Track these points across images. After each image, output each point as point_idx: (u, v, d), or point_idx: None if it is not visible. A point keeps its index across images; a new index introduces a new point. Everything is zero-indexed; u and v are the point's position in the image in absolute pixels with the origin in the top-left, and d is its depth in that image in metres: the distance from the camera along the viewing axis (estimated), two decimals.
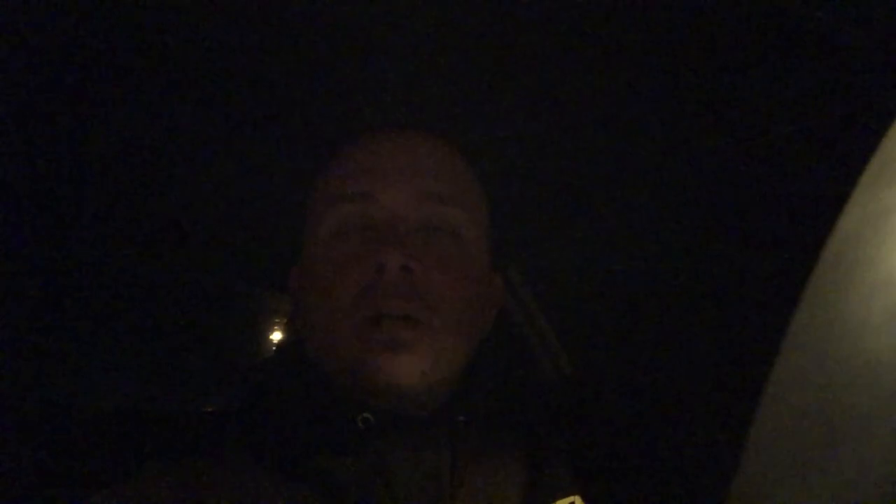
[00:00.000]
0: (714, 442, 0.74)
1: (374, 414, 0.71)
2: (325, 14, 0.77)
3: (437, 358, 0.72)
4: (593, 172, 1.00)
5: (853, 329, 0.27)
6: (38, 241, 1.22)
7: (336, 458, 0.70)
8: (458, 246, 0.77)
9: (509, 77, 0.86)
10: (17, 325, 1.27)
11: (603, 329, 1.17)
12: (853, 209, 0.28)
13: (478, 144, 0.86)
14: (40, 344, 1.37)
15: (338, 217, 0.76)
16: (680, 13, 0.67)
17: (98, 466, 1.11)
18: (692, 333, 0.97)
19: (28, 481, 1.11)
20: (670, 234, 1.01)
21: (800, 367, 0.29)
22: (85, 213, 1.21)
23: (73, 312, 1.49)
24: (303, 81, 0.89)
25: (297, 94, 0.91)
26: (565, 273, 1.19)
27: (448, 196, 0.77)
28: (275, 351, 0.91)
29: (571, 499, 0.72)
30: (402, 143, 0.80)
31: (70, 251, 1.32)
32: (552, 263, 1.20)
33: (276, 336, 1.75)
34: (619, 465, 0.76)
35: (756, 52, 0.67)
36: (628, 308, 1.12)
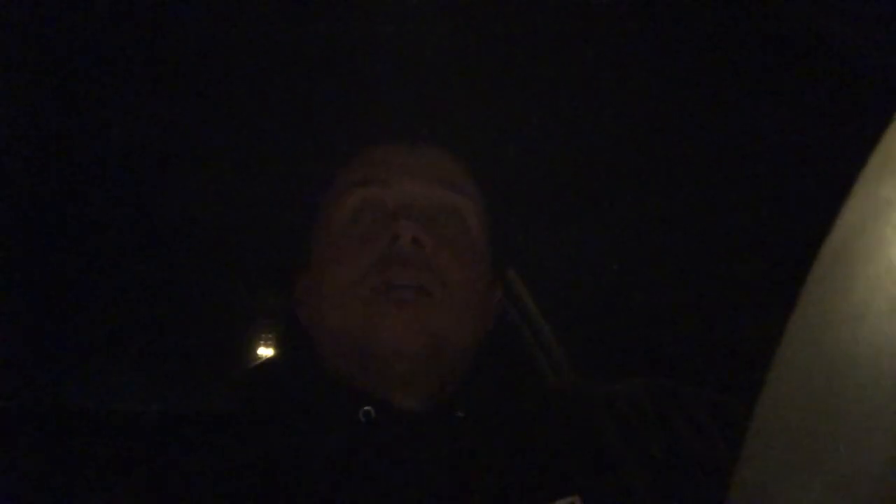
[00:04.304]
0: (714, 441, 0.73)
1: (375, 408, 0.71)
2: (329, 23, 0.78)
3: (443, 327, 0.74)
4: (592, 174, 1.01)
5: (855, 321, 0.27)
6: (37, 242, 1.22)
7: (337, 451, 0.71)
8: (465, 231, 0.81)
9: (512, 84, 0.87)
10: (17, 327, 1.27)
11: (602, 328, 1.18)
12: (855, 202, 0.28)
13: (479, 152, 0.88)
14: (38, 346, 1.37)
15: (353, 202, 0.79)
16: (679, 15, 0.67)
17: (96, 468, 1.11)
18: (691, 329, 0.97)
19: (28, 483, 1.11)
20: (670, 231, 1.01)
21: (801, 360, 0.29)
22: (85, 214, 1.21)
23: (72, 314, 1.49)
24: (311, 89, 0.90)
25: (307, 102, 0.92)
26: (564, 275, 1.20)
27: (455, 185, 0.82)
28: (279, 352, 0.92)
29: (571, 499, 0.72)
30: (414, 147, 0.85)
31: (70, 253, 1.32)
32: (551, 266, 1.21)
33: (264, 351, 1.72)
34: (618, 464, 0.76)
35: (757, 46, 0.68)
36: (627, 304, 1.12)
